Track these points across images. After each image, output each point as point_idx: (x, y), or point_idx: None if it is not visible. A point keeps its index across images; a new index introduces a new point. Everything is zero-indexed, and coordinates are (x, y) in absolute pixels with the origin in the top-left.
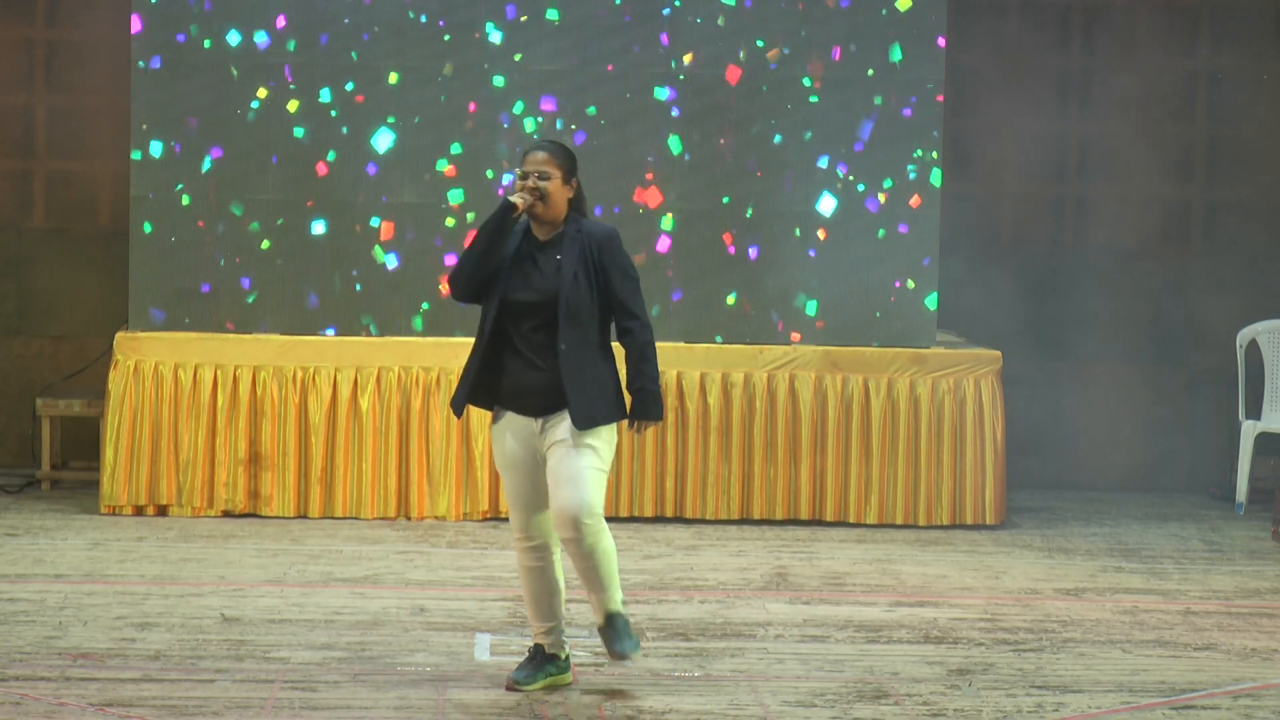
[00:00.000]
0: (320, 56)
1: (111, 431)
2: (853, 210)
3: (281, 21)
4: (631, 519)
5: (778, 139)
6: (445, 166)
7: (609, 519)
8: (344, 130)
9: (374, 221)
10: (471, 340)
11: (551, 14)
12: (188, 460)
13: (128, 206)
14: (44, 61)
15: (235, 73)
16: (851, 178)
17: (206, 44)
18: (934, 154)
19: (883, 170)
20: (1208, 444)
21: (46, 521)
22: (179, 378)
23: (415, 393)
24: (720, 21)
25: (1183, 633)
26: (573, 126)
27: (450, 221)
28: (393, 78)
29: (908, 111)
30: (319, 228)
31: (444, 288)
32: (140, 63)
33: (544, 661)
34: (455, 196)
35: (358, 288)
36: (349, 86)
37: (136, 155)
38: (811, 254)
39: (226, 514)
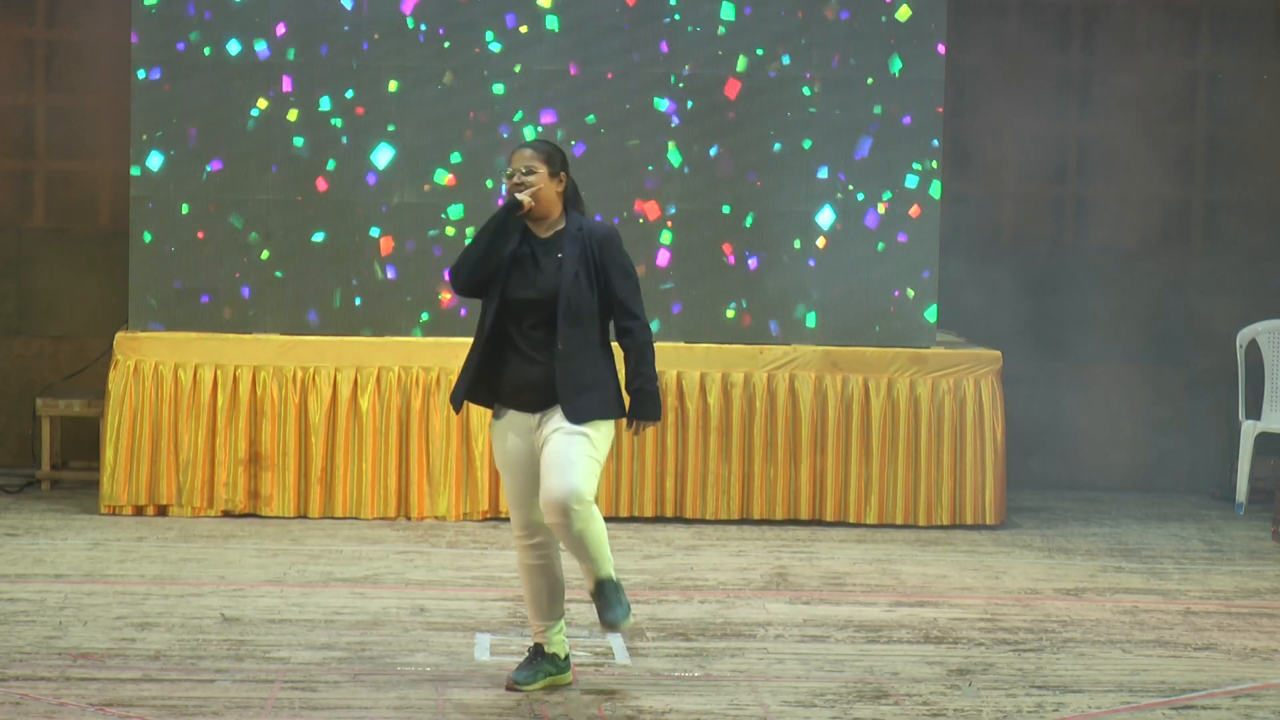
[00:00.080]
0: (320, 65)
1: (111, 431)
2: (852, 221)
3: (281, 30)
4: (631, 519)
5: (777, 147)
6: (445, 176)
7: (609, 519)
8: (344, 140)
9: (374, 231)
10: (470, 339)
11: (551, 22)
12: (188, 460)
13: (128, 207)
14: (44, 61)
15: (235, 82)
16: (851, 187)
17: (206, 52)
18: (934, 164)
19: (882, 180)
20: (1208, 444)
21: (46, 521)
22: (179, 378)
23: (415, 393)
24: (720, 31)
25: (1183, 633)
26: (572, 141)
27: (450, 231)
28: (392, 86)
29: (907, 120)
30: (318, 237)
31: (444, 295)
32: (140, 72)
33: (544, 661)
34: (455, 212)
35: (357, 301)
36: (349, 95)
37: (136, 171)
38: (811, 264)
39: (226, 514)
